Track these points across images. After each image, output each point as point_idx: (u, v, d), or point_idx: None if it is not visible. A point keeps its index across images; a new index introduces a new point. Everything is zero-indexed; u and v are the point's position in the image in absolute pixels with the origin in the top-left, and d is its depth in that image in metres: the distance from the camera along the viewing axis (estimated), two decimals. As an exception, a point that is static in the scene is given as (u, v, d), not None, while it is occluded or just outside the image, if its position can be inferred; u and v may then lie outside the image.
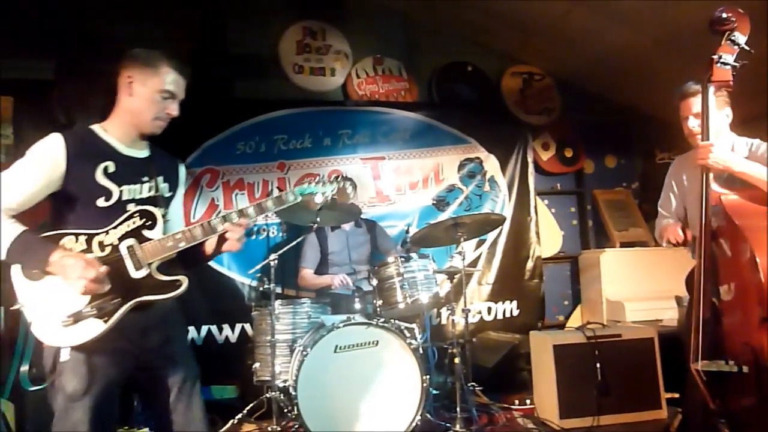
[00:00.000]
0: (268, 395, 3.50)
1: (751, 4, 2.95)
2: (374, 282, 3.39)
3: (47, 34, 3.95)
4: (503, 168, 5.16)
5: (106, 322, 1.77)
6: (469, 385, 3.55)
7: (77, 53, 3.95)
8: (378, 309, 3.33)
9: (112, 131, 1.92)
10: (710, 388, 2.11)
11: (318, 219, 3.39)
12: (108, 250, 1.82)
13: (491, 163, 5.14)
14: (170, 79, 1.91)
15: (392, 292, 3.33)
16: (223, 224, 1.90)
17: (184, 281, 1.87)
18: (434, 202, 4.98)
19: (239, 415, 3.51)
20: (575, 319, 5.15)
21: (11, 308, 1.78)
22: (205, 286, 4.24)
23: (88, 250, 1.80)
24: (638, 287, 4.81)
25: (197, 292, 4.25)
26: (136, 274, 1.84)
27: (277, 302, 3.51)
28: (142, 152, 1.98)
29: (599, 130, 5.53)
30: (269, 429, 3.36)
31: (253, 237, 4.50)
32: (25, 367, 2.19)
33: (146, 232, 1.87)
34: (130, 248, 1.84)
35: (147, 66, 1.89)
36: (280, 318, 3.50)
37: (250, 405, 3.59)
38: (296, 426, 3.17)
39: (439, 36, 5.18)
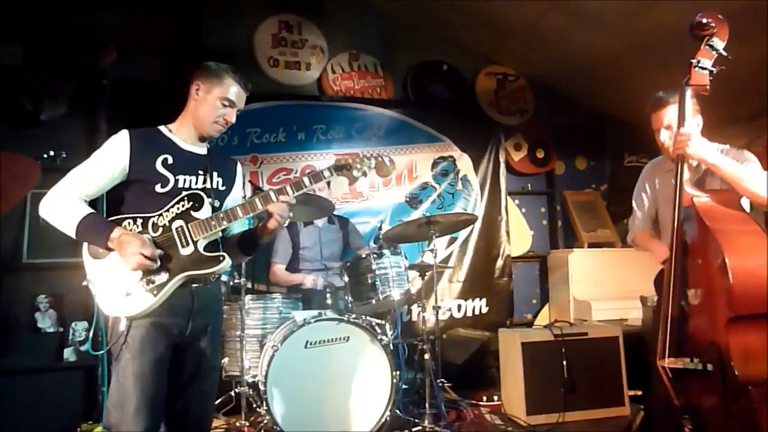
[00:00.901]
0: (236, 390, 3.48)
1: (747, 5, 3.05)
2: (346, 278, 3.39)
3: (17, 19, 3.84)
4: (476, 167, 5.21)
5: (155, 295, 1.96)
6: (438, 381, 3.59)
7: (47, 41, 3.85)
8: (349, 305, 3.33)
9: (176, 131, 2.16)
10: (675, 384, 2.17)
11: (291, 214, 3.36)
12: (161, 230, 2.02)
13: (464, 162, 5.18)
14: (233, 90, 2.14)
15: (364, 288, 3.33)
16: (262, 203, 2.09)
17: (227, 257, 2.05)
18: (407, 199, 5.00)
19: (207, 410, 3.48)
20: (543, 318, 5.23)
21: (82, 284, 2.00)
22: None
23: (144, 231, 2.01)
24: (605, 287, 4.91)
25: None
26: (183, 251, 2.02)
27: (248, 297, 3.50)
28: (201, 149, 2.20)
29: (570, 133, 5.61)
30: (237, 424, 3.34)
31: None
32: (90, 334, 2.50)
33: (194, 213, 2.06)
34: (179, 228, 2.03)
35: (214, 77, 2.13)
36: (250, 313, 3.49)
37: (218, 400, 3.56)
38: (265, 421, 3.15)
39: (416, 34, 5.19)
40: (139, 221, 2.02)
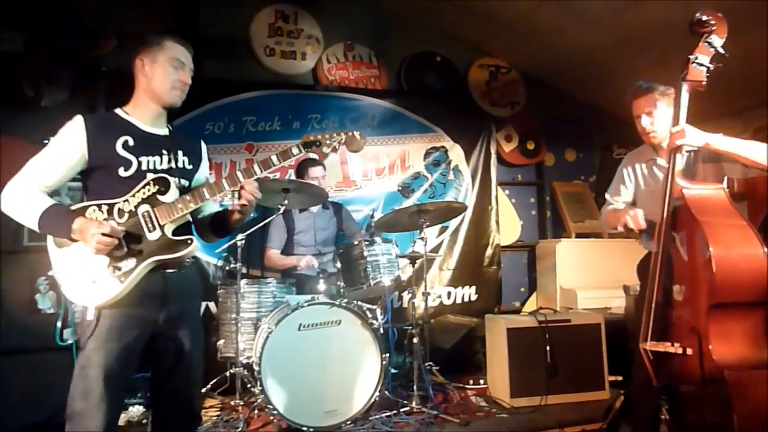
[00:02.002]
0: (231, 371, 3.59)
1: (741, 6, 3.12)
2: (338, 264, 3.49)
3: (18, 6, 3.89)
4: (467, 158, 5.31)
5: (122, 282, 1.93)
6: (426, 364, 3.70)
7: (48, 27, 3.91)
8: (341, 290, 3.43)
9: (133, 112, 2.11)
10: (655, 367, 2.28)
11: (286, 201, 3.47)
12: (127, 216, 1.99)
13: (456, 153, 5.28)
14: (177, 51, 2.10)
15: (356, 274, 3.43)
16: (230, 185, 2.08)
17: (195, 240, 2.04)
18: (399, 188, 5.09)
19: (203, 390, 3.58)
20: (531, 306, 5.34)
21: (48, 273, 2.03)
22: (170, 264, 4.29)
23: (110, 217, 1.98)
24: (590, 276, 5.04)
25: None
26: (150, 236, 1.99)
27: (243, 281, 3.59)
28: (161, 131, 2.15)
29: (561, 125, 5.72)
30: (232, 404, 3.45)
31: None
32: (59, 324, 2.50)
33: (160, 197, 2.02)
34: (145, 213, 2.00)
35: (154, 45, 2.09)
36: (245, 297, 3.59)
37: (214, 380, 3.68)
38: (259, 401, 3.26)
39: (410, 25, 5.26)
40: (104, 208, 1.98)
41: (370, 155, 5.02)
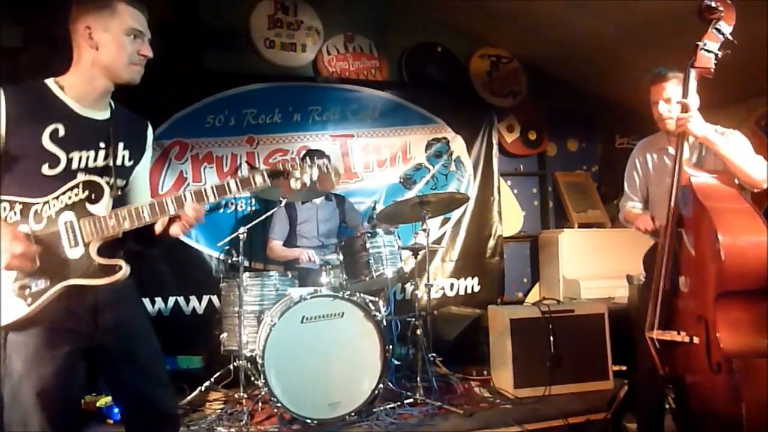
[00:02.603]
0: (235, 364, 3.59)
1: None
2: (341, 256, 3.49)
3: (16, 0, 3.87)
4: (469, 149, 5.28)
5: (30, 304, 1.59)
6: (429, 356, 3.70)
7: (47, 21, 3.89)
8: (344, 282, 3.43)
9: (71, 89, 1.70)
10: (661, 356, 2.27)
11: (286, 194, 3.46)
12: (44, 222, 1.62)
13: (458, 144, 5.25)
14: (133, 16, 1.71)
15: (358, 266, 3.43)
16: (176, 207, 1.70)
17: (125, 267, 1.66)
18: (401, 180, 5.08)
19: (206, 383, 3.60)
20: (534, 296, 5.35)
21: None
22: (172, 258, 4.30)
23: (23, 221, 1.61)
24: (593, 266, 5.03)
25: (165, 264, 4.31)
26: (70, 253, 1.63)
27: (246, 274, 3.59)
28: (102, 113, 1.75)
29: (562, 115, 5.69)
30: (236, 396, 3.46)
31: (222, 210, 4.54)
32: None
33: (90, 207, 1.66)
34: (67, 223, 1.64)
35: (105, 8, 1.68)
36: (248, 290, 3.59)
37: (217, 374, 3.68)
38: (263, 393, 3.26)
39: (411, 15, 5.22)
40: (18, 207, 1.60)
41: (372, 147, 5.00)
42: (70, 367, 1.67)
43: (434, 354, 3.83)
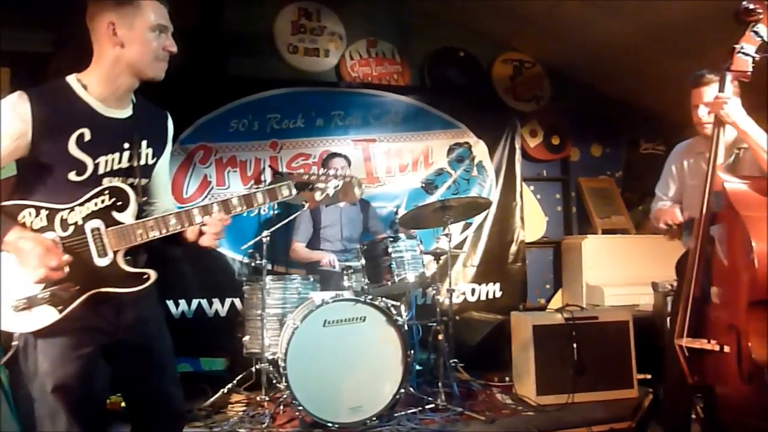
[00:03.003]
0: (257, 367, 3.62)
1: None
2: (363, 260, 3.50)
3: (46, 6, 3.96)
4: (491, 153, 5.26)
5: (61, 311, 1.61)
6: (451, 361, 3.68)
7: (74, 27, 3.97)
8: (366, 286, 3.44)
9: (93, 88, 1.68)
10: (690, 364, 2.23)
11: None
12: (71, 230, 1.62)
13: (480, 149, 5.24)
14: (156, 10, 1.69)
15: (380, 271, 3.43)
16: (203, 216, 1.70)
17: (152, 276, 1.70)
18: (423, 185, 5.07)
19: (229, 386, 3.62)
20: (556, 303, 5.30)
21: None
22: (196, 261, 4.34)
23: (49, 227, 1.61)
24: (617, 273, 4.97)
25: (188, 267, 4.35)
26: (99, 262, 1.64)
27: (268, 278, 3.62)
28: (124, 111, 1.75)
29: (586, 119, 5.63)
30: (258, 399, 3.48)
31: (245, 214, 4.55)
32: None
33: (116, 215, 1.66)
34: (95, 231, 1.64)
35: (124, 4, 1.65)
36: (270, 293, 3.61)
37: (240, 376, 3.71)
38: (284, 396, 3.28)
39: (433, 21, 5.23)
40: (44, 213, 1.60)
41: (394, 151, 5.01)
42: (94, 364, 1.69)
43: (456, 359, 3.82)
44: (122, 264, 1.66)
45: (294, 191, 1.80)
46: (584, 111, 5.60)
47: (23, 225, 1.59)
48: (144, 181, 1.79)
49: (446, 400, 3.38)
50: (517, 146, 5.34)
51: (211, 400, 3.54)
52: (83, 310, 1.64)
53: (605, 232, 5.36)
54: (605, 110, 5.66)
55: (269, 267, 3.66)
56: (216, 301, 4.39)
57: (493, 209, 5.13)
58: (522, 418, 3.34)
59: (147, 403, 1.85)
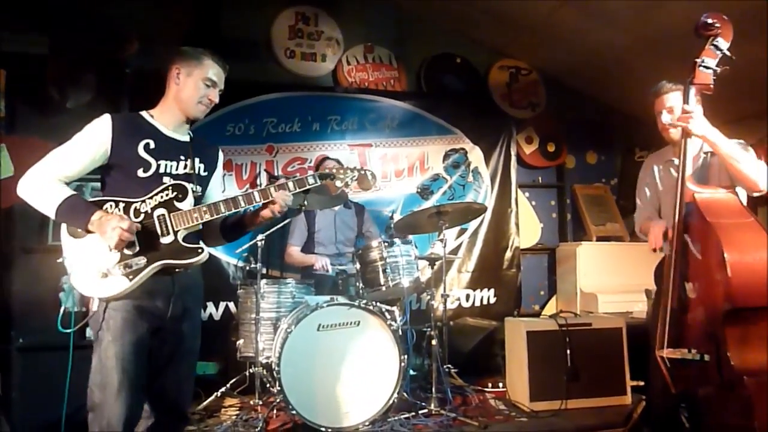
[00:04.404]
0: (251, 371, 3.61)
1: (743, 6, 3.10)
2: (358, 265, 3.50)
3: (42, 9, 3.97)
4: (487, 160, 5.29)
5: (131, 279, 1.99)
6: (445, 367, 3.68)
7: (72, 31, 3.98)
8: (360, 291, 3.44)
9: (158, 117, 2.19)
10: (673, 374, 2.25)
11: (306, 202, 3.47)
12: (142, 216, 2.05)
13: (476, 155, 5.26)
14: (213, 71, 2.19)
15: (375, 276, 3.43)
16: (245, 201, 2.15)
17: (206, 249, 2.11)
18: (418, 190, 5.09)
19: (222, 389, 3.62)
20: (550, 309, 5.30)
21: (57, 261, 2.04)
22: (191, 264, 4.34)
23: (126, 215, 2.03)
24: (611, 280, 4.99)
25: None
26: (163, 240, 2.06)
27: (263, 281, 3.61)
28: (183, 136, 2.22)
29: (582, 127, 5.67)
30: (251, 403, 3.47)
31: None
32: (62, 310, 2.49)
33: (177, 204, 2.10)
34: (161, 216, 2.06)
35: (193, 59, 2.17)
36: (265, 297, 3.61)
37: (233, 380, 3.70)
38: (278, 400, 3.27)
39: (430, 27, 5.26)
40: (121, 205, 2.05)
41: (390, 157, 5.02)
42: (146, 342, 2.03)
43: (450, 365, 3.81)
44: (181, 241, 2.07)
45: (318, 180, 2.24)
46: (580, 118, 5.64)
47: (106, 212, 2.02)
48: (197, 188, 2.19)
49: (440, 406, 3.38)
50: (513, 153, 5.37)
51: (205, 403, 3.54)
52: (144, 293, 2.01)
53: (600, 239, 5.38)
54: (601, 118, 5.70)
55: (264, 271, 3.65)
56: (210, 305, 4.38)
57: (488, 215, 5.15)
58: (515, 423, 3.35)
59: (161, 394, 2.11)
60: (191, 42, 4.42)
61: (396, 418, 3.25)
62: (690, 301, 2.30)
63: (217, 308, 4.40)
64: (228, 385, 3.67)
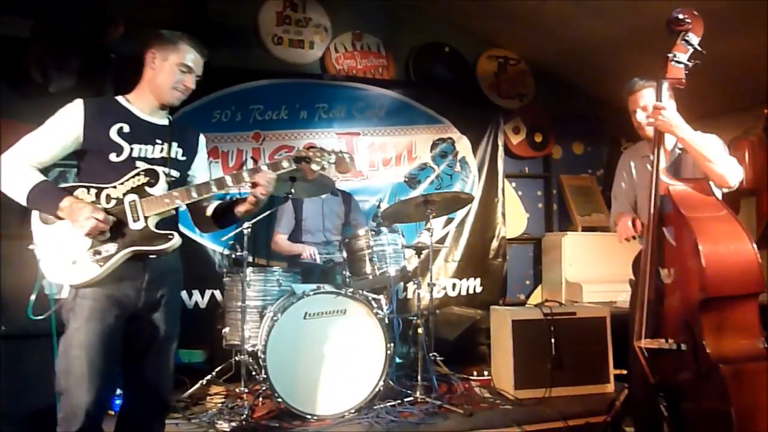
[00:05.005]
0: (236, 358, 3.60)
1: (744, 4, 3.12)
2: (344, 253, 3.50)
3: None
4: (474, 149, 5.29)
5: (101, 266, 1.97)
6: (430, 355, 3.70)
7: (56, 14, 3.91)
8: (347, 279, 3.44)
9: (134, 101, 2.15)
10: (651, 364, 2.28)
11: (293, 190, 3.47)
12: (113, 202, 2.02)
13: (463, 144, 5.26)
14: (190, 56, 2.13)
15: (361, 264, 3.44)
16: (217, 186, 2.10)
17: (176, 236, 2.05)
18: (406, 179, 5.09)
19: (208, 377, 3.61)
20: (535, 299, 5.34)
21: (28, 247, 2.02)
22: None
23: (97, 201, 2.00)
24: (596, 270, 5.02)
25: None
26: (133, 226, 2.02)
27: (249, 269, 3.59)
28: (160, 120, 2.18)
29: (569, 118, 5.68)
30: (237, 390, 3.47)
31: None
32: (32, 297, 2.37)
33: (148, 189, 2.05)
34: (131, 202, 2.02)
35: (169, 44, 2.12)
36: (251, 285, 3.59)
37: (219, 368, 3.70)
38: (264, 388, 3.27)
39: (419, 15, 5.23)
40: (93, 191, 2.02)
41: (377, 145, 5.01)
42: (116, 330, 2.00)
43: (435, 353, 3.84)
44: (152, 227, 2.04)
45: (293, 165, 2.19)
46: (567, 109, 5.66)
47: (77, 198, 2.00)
48: (175, 172, 2.16)
49: (425, 394, 3.40)
50: (500, 143, 5.38)
51: (190, 391, 3.53)
52: (113, 281, 1.99)
53: (585, 229, 5.42)
54: (588, 109, 5.72)
55: (250, 259, 3.64)
56: (196, 293, 4.36)
57: (475, 205, 5.17)
58: (500, 411, 3.37)
59: (141, 382, 2.11)
60: (177, 27, 4.42)
61: (382, 405, 3.26)
62: (666, 287, 2.33)
63: (202, 296, 4.38)
64: (214, 373, 3.66)
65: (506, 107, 5.42)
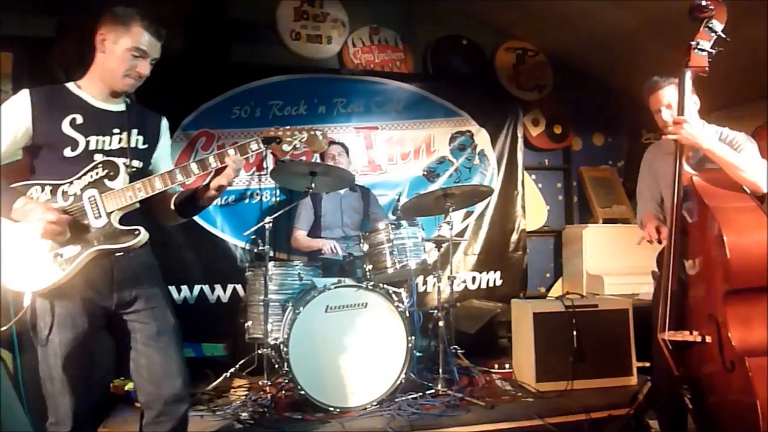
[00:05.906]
0: (259, 352, 3.64)
1: None
2: (365, 247, 3.51)
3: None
4: (493, 142, 5.27)
5: (64, 270, 1.84)
6: (451, 348, 3.70)
7: (77, 12, 3.96)
8: (368, 273, 3.45)
9: (86, 87, 1.98)
10: (675, 356, 2.26)
11: (313, 184, 3.49)
12: (71, 200, 1.88)
13: (482, 137, 5.24)
14: (143, 39, 1.93)
15: (382, 258, 3.45)
16: (184, 177, 1.95)
17: (143, 232, 1.91)
18: (425, 173, 5.08)
19: (231, 370, 3.66)
20: (556, 291, 5.32)
21: None
22: (198, 247, 4.39)
23: (53, 200, 1.87)
24: (618, 262, 4.98)
25: (190, 253, 4.38)
26: (95, 223, 1.88)
27: (271, 264, 3.63)
28: (117, 106, 2.01)
29: (589, 109, 5.63)
30: (260, 383, 3.51)
31: (247, 201, 4.60)
32: None
33: (108, 183, 1.91)
34: (91, 198, 1.89)
35: (121, 25, 1.92)
36: (273, 279, 3.62)
37: (242, 361, 3.74)
38: (286, 381, 3.31)
39: (436, 8, 5.21)
40: (48, 189, 1.87)
41: (396, 139, 5.01)
42: (89, 333, 1.90)
43: (456, 346, 3.84)
44: (116, 224, 1.91)
45: (262, 146, 2.02)
46: (587, 100, 5.59)
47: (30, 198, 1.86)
48: (137, 162, 2.01)
49: (446, 386, 3.41)
50: (519, 135, 5.35)
51: (214, 384, 3.58)
52: (79, 282, 1.86)
53: (606, 221, 5.37)
54: (607, 100, 5.65)
55: (271, 254, 3.67)
56: (218, 287, 4.42)
57: (494, 198, 5.15)
58: (521, 404, 3.37)
59: (145, 381, 1.99)
60: (195, 24, 4.46)
61: (403, 398, 3.27)
62: (690, 278, 2.31)
63: (224, 290, 4.43)
64: (237, 366, 3.71)
65: (525, 99, 5.38)
